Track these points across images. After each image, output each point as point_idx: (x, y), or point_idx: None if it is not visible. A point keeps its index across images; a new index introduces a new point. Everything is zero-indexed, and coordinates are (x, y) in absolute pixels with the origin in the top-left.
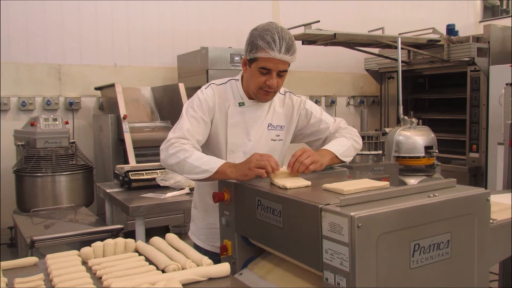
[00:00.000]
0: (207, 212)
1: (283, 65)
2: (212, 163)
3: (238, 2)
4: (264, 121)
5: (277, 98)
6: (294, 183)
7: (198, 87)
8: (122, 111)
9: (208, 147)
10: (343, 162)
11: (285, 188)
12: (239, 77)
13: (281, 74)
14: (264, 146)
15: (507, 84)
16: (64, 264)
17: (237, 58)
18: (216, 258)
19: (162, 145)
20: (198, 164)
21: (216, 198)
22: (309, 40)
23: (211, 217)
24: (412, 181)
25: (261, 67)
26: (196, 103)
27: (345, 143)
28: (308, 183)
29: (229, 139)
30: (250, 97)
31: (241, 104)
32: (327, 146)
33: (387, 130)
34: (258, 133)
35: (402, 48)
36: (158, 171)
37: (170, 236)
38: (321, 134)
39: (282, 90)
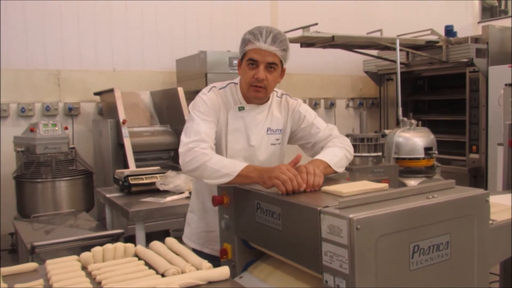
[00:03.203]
0: (206, 216)
1: (270, 57)
2: (234, 167)
3: (236, 5)
4: (264, 126)
5: (275, 101)
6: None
7: (197, 91)
8: (122, 116)
9: None
10: (335, 172)
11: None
12: (237, 80)
13: (271, 67)
14: (264, 151)
15: (506, 85)
16: (64, 269)
17: (235, 62)
18: (214, 263)
19: (180, 149)
20: (218, 167)
21: (216, 202)
22: (308, 42)
23: (210, 220)
24: (412, 182)
25: (249, 59)
26: (203, 106)
27: (338, 153)
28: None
29: (229, 145)
30: (248, 101)
31: (241, 108)
32: (321, 156)
33: (386, 131)
34: (258, 138)
35: (400, 50)
36: (157, 175)
37: (170, 240)
38: (311, 138)
39: (279, 92)
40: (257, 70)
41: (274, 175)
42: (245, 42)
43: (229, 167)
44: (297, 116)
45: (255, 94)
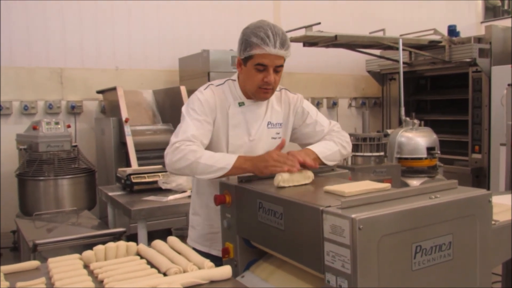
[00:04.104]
0: (210, 216)
1: (279, 60)
2: (226, 159)
3: (238, 4)
4: (264, 120)
5: (274, 95)
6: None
7: None
8: (124, 114)
9: (209, 148)
10: (325, 165)
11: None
12: (235, 77)
13: (278, 69)
14: (265, 145)
15: (509, 85)
16: (65, 267)
17: None
18: (221, 264)
19: (167, 150)
20: (212, 163)
21: (218, 201)
22: (310, 42)
23: (215, 221)
24: (415, 182)
25: (257, 63)
26: (197, 104)
27: (332, 147)
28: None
29: (231, 140)
30: (247, 97)
31: (241, 104)
32: (312, 146)
33: (389, 131)
34: (258, 132)
35: (403, 50)
36: (160, 174)
37: (172, 239)
38: (316, 137)
39: (277, 87)
40: (266, 74)
41: (270, 164)
42: (250, 45)
43: (222, 161)
44: (301, 111)
45: (265, 95)
